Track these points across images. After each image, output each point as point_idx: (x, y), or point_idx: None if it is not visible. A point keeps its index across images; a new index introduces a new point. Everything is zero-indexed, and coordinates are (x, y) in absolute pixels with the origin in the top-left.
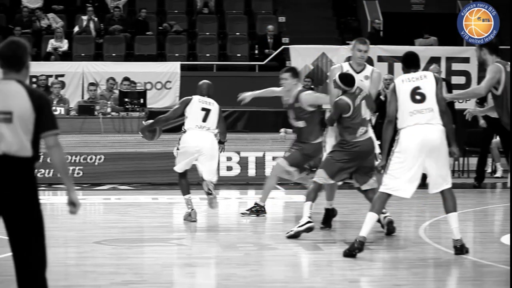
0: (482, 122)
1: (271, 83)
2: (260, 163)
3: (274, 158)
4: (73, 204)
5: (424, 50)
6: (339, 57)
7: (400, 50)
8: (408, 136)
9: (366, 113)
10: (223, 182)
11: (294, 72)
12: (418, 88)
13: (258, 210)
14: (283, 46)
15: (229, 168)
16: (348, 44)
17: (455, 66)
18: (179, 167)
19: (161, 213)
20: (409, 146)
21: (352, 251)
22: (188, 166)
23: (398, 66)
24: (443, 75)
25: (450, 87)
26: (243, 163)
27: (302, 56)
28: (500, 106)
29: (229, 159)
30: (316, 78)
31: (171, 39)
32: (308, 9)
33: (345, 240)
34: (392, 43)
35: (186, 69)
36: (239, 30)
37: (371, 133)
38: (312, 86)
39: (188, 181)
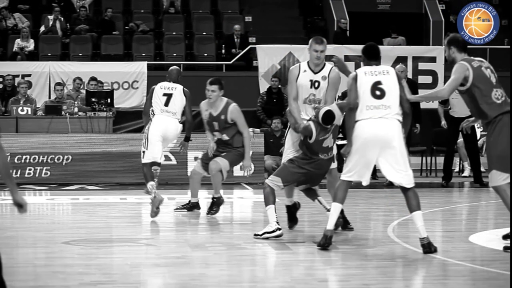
0: (443, 123)
1: (238, 83)
2: None
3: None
4: (19, 205)
5: (390, 50)
6: (306, 56)
7: None
8: (362, 129)
9: (330, 143)
10: None
11: (221, 84)
12: (379, 83)
13: (192, 207)
14: (250, 46)
15: None
16: None
17: (422, 66)
18: (147, 158)
19: (129, 213)
20: (362, 139)
21: (324, 245)
22: (157, 154)
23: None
24: (409, 75)
25: (417, 87)
26: None
27: (269, 55)
28: (470, 101)
29: (196, 159)
30: (283, 78)
31: (137, 38)
32: (275, 8)
33: (314, 239)
34: (358, 42)
35: (153, 68)
36: (205, 29)
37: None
38: (280, 86)
39: (151, 171)
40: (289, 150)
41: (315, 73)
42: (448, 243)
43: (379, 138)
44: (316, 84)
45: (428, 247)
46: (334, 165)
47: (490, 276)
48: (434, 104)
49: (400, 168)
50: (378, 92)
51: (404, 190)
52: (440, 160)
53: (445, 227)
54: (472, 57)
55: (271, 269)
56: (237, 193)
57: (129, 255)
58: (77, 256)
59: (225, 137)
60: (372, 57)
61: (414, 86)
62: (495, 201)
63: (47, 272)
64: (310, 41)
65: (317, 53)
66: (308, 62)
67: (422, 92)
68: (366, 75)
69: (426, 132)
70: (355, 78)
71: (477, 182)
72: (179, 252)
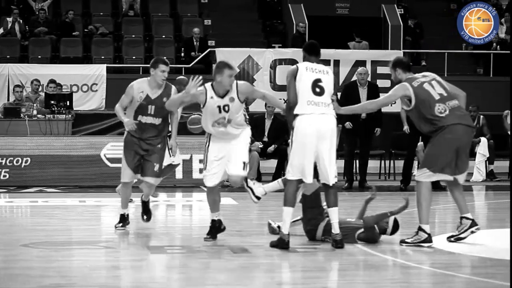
0: (406, 127)
1: None
2: (188, 166)
3: (201, 161)
4: None
5: (349, 54)
6: (265, 60)
7: (326, 53)
8: (304, 124)
9: None
10: None
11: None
12: (319, 80)
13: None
14: (209, 49)
15: None
16: (273, 47)
17: (380, 70)
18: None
19: (88, 216)
20: (305, 133)
21: (277, 246)
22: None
23: None
24: (368, 78)
25: (378, 90)
26: None
27: (228, 59)
28: (417, 118)
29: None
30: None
31: (97, 41)
32: (234, 12)
33: (273, 243)
34: None
35: (112, 71)
36: (165, 32)
37: None
38: None
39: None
40: None
41: (222, 97)
42: (407, 246)
43: (321, 133)
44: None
45: (340, 243)
46: None
47: (449, 279)
48: (395, 108)
49: (331, 166)
50: (318, 89)
51: (327, 187)
52: (399, 163)
53: (404, 230)
54: (416, 75)
55: (230, 272)
56: (196, 196)
57: (88, 258)
58: (36, 258)
59: (157, 121)
60: (312, 52)
61: (375, 90)
62: (453, 204)
63: (6, 275)
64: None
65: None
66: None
67: (382, 95)
68: (307, 71)
69: (386, 135)
70: (295, 74)
71: (435, 186)
72: (139, 255)
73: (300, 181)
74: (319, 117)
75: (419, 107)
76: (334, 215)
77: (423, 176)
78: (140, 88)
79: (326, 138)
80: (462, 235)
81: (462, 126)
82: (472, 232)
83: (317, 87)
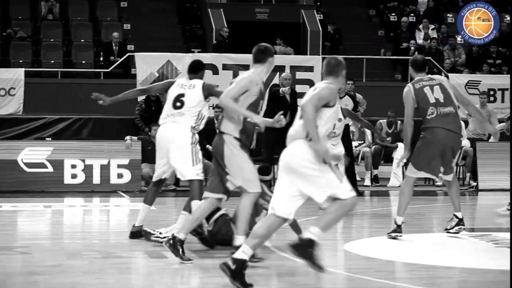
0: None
1: (116, 91)
2: (105, 170)
3: (119, 166)
4: None
5: None
6: (184, 65)
7: (245, 58)
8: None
9: None
10: (68, 190)
11: None
12: (182, 95)
13: None
14: (128, 54)
15: (74, 176)
16: (193, 52)
17: (299, 75)
18: None
19: (4, 221)
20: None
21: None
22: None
23: (242, 74)
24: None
25: (296, 96)
26: (88, 170)
27: (147, 63)
28: (422, 117)
29: (73, 166)
30: None
31: (15, 45)
32: (153, 16)
33: (190, 248)
34: (237, 51)
35: (30, 75)
36: (84, 37)
37: None
38: (159, 94)
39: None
40: None
41: None
42: (324, 251)
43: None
44: None
45: (173, 246)
46: None
47: (366, 285)
48: None
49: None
50: (178, 104)
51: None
52: None
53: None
54: (424, 77)
55: (146, 277)
56: (113, 201)
57: (4, 263)
58: None
59: None
60: (190, 71)
61: (294, 95)
62: (370, 210)
63: None
64: None
65: None
66: None
67: (300, 101)
68: (176, 86)
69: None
70: (167, 88)
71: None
72: (55, 260)
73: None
74: (168, 126)
75: (419, 108)
76: (181, 221)
77: (408, 171)
78: None
79: (166, 144)
80: (451, 230)
81: (443, 130)
82: (458, 230)
83: (177, 102)
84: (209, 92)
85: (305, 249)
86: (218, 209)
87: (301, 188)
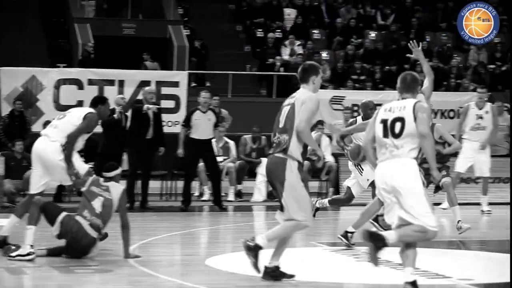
0: (180, 151)
1: None
2: None
3: None
4: None
5: (134, 74)
6: (49, 80)
7: (111, 73)
8: None
9: None
10: None
11: None
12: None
13: None
14: None
15: None
16: (58, 67)
17: (165, 90)
18: None
19: None
20: None
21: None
22: None
23: (108, 89)
24: (153, 99)
25: (160, 112)
26: None
27: (11, 78)
28: None
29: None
30: (25, 101)
31: None
32: (19, 30)
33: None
34: (103, 66)
35: None
36: None
37: None
38: (23, 109)
39: None
40: None
41: None
42: (185, 266)
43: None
44: None
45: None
46: None
47: None
48: (176, 128)
49: None
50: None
51: None
52: (180, 184)
53: (184, 250)
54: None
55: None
56: None
57: None
58: None
59: None
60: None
61: (159, 112)
62: (233, 225)
63: None
64: None
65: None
66: None
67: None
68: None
69: (167, 156)
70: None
71: (217, 205)
72: None
73: None
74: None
75: None
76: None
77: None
78: None
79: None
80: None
81: None
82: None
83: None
84: None
85: (378, 241)
86: (60, 211)
87: None
